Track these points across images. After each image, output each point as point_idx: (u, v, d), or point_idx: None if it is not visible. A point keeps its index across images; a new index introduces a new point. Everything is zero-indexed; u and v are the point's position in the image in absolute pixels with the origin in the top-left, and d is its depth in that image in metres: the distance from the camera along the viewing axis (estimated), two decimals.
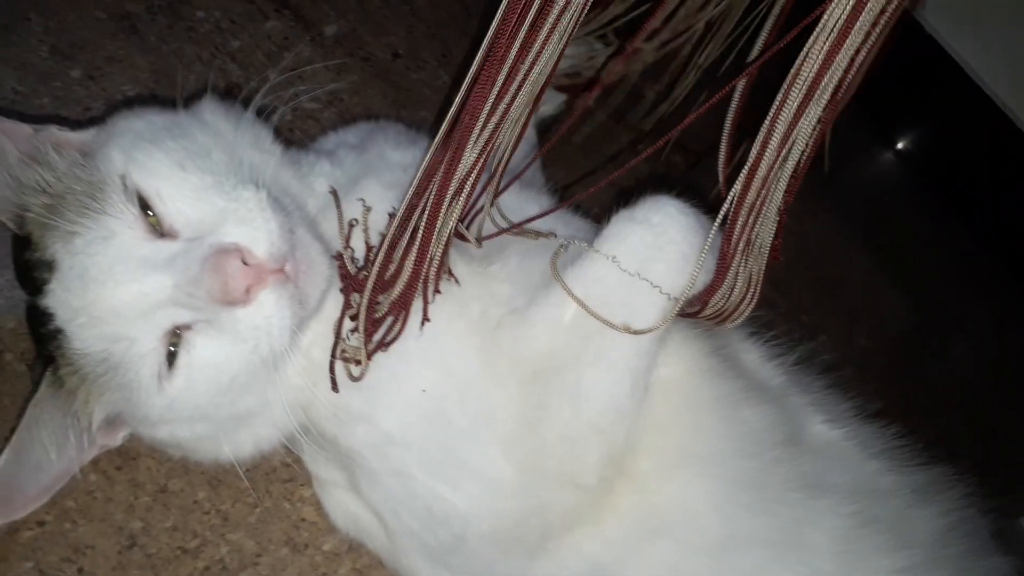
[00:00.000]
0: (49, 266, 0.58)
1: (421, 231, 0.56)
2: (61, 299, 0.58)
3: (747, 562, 0.61)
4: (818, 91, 0.54)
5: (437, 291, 0.59)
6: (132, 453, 0.77)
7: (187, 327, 0.58)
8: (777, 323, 0.77)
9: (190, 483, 0.79)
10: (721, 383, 0.65)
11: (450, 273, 0.61)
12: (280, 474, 0.80)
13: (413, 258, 0.57)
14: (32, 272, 0.59)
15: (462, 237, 0.62)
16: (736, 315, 0.64)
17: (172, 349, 0.59)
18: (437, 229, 0.56)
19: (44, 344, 0.61)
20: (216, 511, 0.77)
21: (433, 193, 0.55)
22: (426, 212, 0.55)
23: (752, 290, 0.63)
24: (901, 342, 1.31)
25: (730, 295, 0.62)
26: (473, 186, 0.56)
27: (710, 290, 0.60)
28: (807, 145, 0.57)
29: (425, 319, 0.59)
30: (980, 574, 0.69)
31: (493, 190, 0.61)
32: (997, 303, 1.42)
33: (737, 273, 0.61)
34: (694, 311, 0.63)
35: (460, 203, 0.56)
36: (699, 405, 0.64)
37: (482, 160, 0.55)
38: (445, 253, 0.58)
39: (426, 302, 0.59)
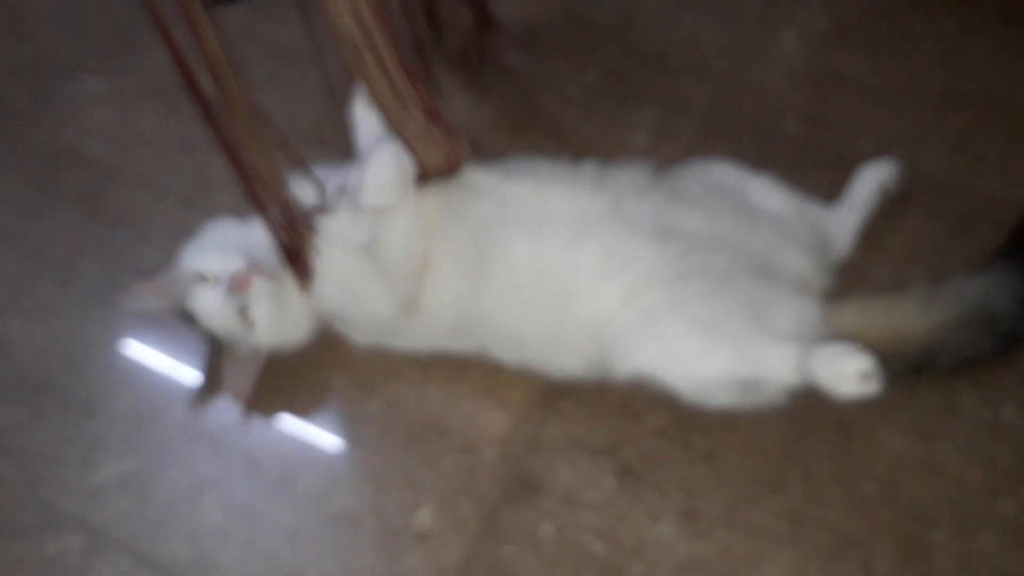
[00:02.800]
0: (189, 316, 1.07)
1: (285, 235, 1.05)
2: (204, 326, 1.08)
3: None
4: None
5: (309, 250, 1.07)
6: None
7: (243, 307, 1.05)
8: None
9: None
10: (455, 201, 1.07)
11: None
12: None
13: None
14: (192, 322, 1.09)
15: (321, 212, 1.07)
16: (449, 170, 1.05)
17: (246, 316, 1.05)
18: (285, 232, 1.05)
19: (212, 342, 1.12)
20: None
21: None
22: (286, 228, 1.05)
23: (446, 155, 1.02)
24: None
25: (431, 164, 1.02)
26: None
27: (419, 165, 1.02)
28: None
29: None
30: None
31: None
32: None
33: (422, 149, 1.01)
34: (424, 178, 1.03)
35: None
36: (446, 217, 1.06)
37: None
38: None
39: (304, 253, 1.07)
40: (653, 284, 0.99)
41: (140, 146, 1.43)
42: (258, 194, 1.02)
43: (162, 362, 1.18)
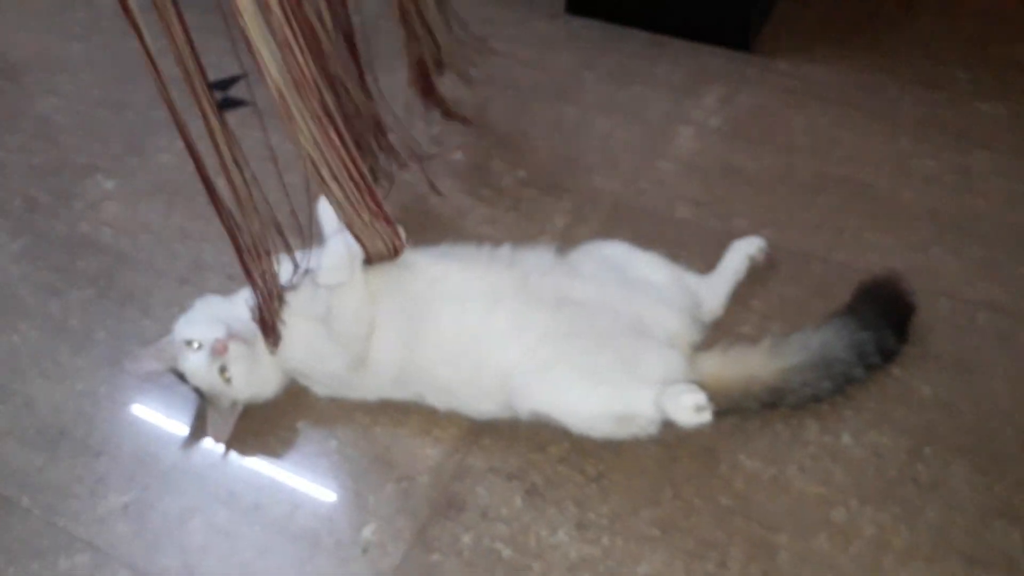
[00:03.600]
0: (181, 375, 1.29)
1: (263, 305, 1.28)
2: (191, 383, 1.29)
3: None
4: None
5: (280, 319, 1.30)
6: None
7: (222, 367, 1.26)
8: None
9: None
10: (393, 278, 1.30)
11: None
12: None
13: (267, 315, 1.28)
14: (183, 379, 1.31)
15: (289, 290, 1.31)
16: (390, 255, 1.28)
17: (225, 375, 1.26)
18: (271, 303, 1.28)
19: (199, 393, 1.31)
20: None
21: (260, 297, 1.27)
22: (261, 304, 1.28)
23: (390, 242, 1.26)
24: None
25: (375, 250, 1.26)
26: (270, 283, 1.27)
27: (366, 252, 1.24)
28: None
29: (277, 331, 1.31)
30: None
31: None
32: None
33: (369, 240, 1.24)
34: (370, 261, 1.26)
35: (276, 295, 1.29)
36: (387, 291, 1.28)
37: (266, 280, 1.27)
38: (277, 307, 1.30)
39: (274, 320, 1.29)
40: (547, 341, 1.22)
41: (144, 235, 1.67)
42: (251, 268, 1.23)
43: (158, 416, 1.40)
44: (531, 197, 1.66)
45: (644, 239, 1.45)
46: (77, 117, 1.94)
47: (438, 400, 1.30)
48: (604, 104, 1.85)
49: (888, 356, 1.32)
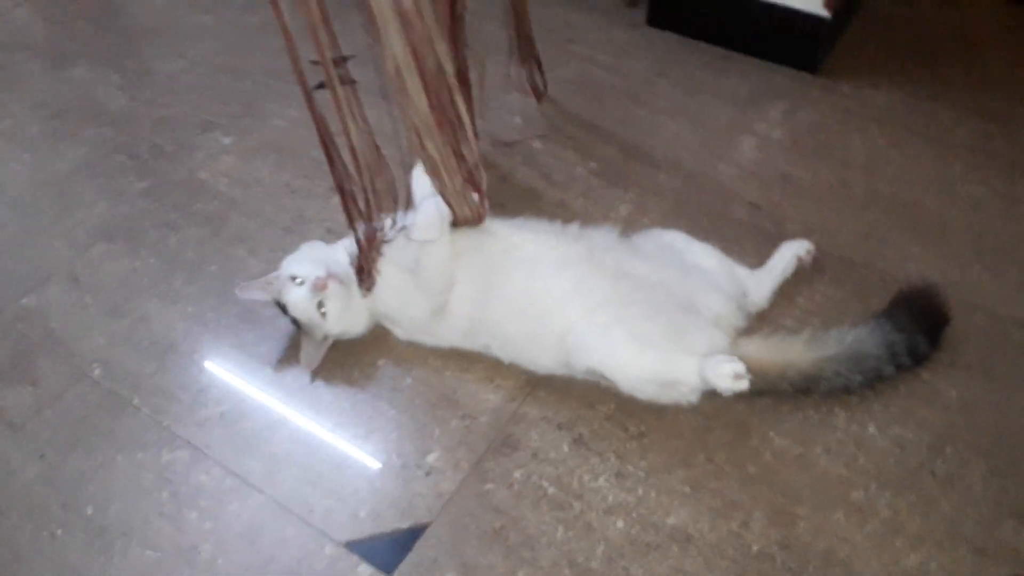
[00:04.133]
0: (284, 308, 1.39)
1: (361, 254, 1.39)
2: (291, 314, 1.39)
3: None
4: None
5: (375, 267, 1.41)
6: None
7: (320, 302, 1.35)
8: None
9: None
10: (475, 242, 1.40)
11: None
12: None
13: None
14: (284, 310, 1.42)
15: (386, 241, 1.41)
16: (474, 220, 1.39)
17: (322, 310, 1.36)
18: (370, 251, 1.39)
19: (296, 324, 1.42)
20: None
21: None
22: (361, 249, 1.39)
23: (475, 209, 1.37)
24: None
25: (462, 215, 1.37)
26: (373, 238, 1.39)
27: (454, 215, 1.35)
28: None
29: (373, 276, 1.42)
30: None
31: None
32: None
33: (458, 205, 1.35)
34: (456, 224, 1.36)
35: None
36: (467, 251, 1.38)
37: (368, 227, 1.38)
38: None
39: (371, 268, 1.40)
40: (605, 306, 1.31)
41: (255, 187, 1.80)
42: (356, 221, 1.34)
43: (256, 344, 1.52)
44: (599, 187, 1.75)
45: (700, 233, 1.52)
46: (201, 79, 2.09)
47: (503, 352, 1.39)
48: (673, 109, 1.92)
49: (918, 359, 1.37)
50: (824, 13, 1.90)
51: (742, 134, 1.85)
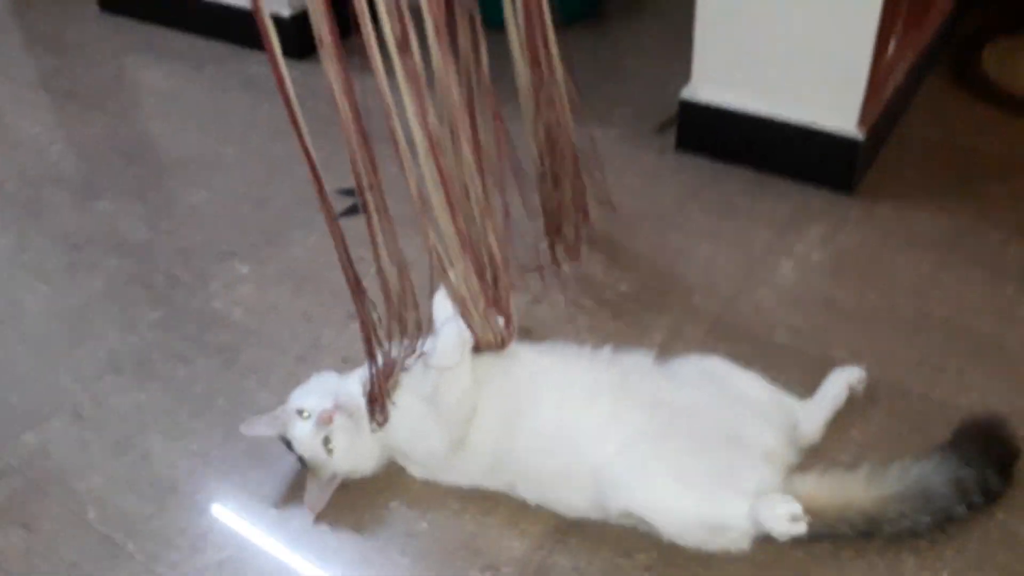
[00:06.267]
0: (289, 443, 1.33)
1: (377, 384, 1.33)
2: (296, 451, 1.33)
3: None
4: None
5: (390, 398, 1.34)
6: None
7: (326, 437, 1.29)
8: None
9: None
10: (498, 367, 1.36)
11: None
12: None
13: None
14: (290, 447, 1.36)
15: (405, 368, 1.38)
16: (498, 345, 1.35)
17: (328, 446, 1.29)
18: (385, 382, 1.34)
19: (302, 462, 1.37)
20: None
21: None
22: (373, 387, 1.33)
23: (499, 333, 1.35)
24: None
25: (485, 339, 1.34)
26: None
27: (476, 340, 1.32)
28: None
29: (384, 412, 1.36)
30: None
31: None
32: None
33: (480, 329, 1.33)
34: (478, 349, 1.32)
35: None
36: (490, 378, 1.33)
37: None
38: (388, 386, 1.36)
39: (384, 400, 1.34)
40: (643, 439, 1.24)
41: (271, 315, 1.78)
42: (375, 349, 1.30)
43: (260, 483, 1.45)
44: (632, 311, 1.71)
45: (741, 359, 1.46)
46: (223, 208, 2.12)
47: (529, 491, 1.31)
48: (707, 232, 1.90)
49: (991, 497, 1.27)
50: (858, 134, 1.91)
51: (780, 257, 1.82)
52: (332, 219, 1.19)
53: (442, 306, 1.42)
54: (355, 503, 1.38)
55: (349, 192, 2.05)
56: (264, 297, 1.83)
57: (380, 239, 1.22)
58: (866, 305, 1.69)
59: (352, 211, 1.87)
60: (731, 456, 1.23)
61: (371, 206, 1.19)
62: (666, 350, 1.55)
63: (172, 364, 1.68)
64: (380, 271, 1.24)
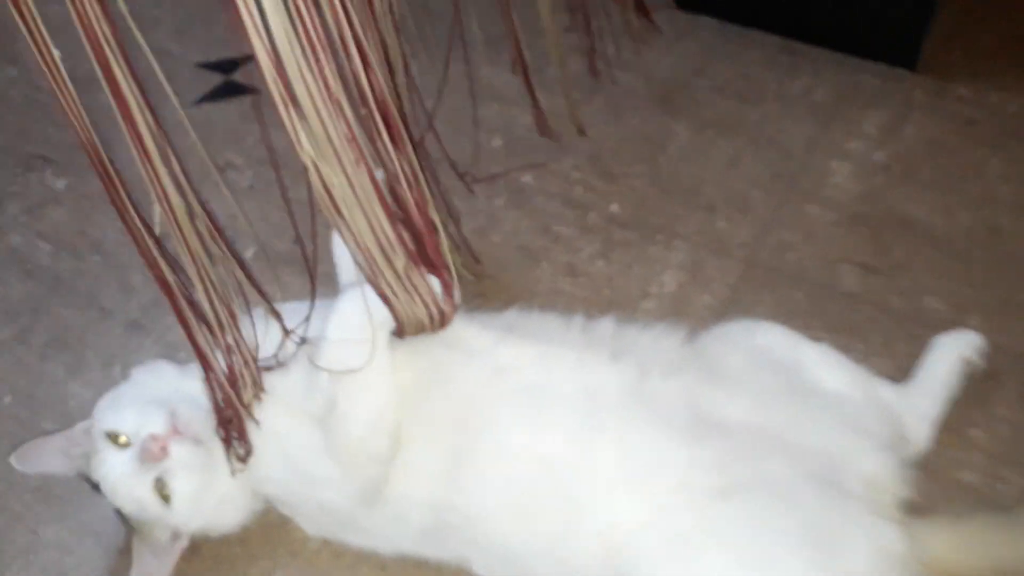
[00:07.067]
0: (97, 486, 0.86)
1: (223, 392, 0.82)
2: (109, 500, 0.85)
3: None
4: None
5: (251, 416, 0.84)
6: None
7: (159, 479, 0.84)
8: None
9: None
10: (437, 364, 0.86)
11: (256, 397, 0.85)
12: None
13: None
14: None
15: (270, 368, 0.84)
16: (432, 325, 0.83)
17: (163, 492, 0.84)
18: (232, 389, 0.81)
19: (121, 517, 0.88)
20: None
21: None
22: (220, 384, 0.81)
23: (435, 308, 0.81)
24: None
25: (410, 317, 0.81)
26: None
27: (396, 319, 0.81)
28: None
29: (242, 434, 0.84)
30: None
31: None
32: None
33: (404, 302, 0.79)
34: (402, 334, 0.83)
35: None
36: (424, 384, 0.85)
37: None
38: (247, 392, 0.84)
39: (241, 419, 0.84)
40: (686, 499, 0.74)
41: (93, 256, 1.23)
42: (199, 337, 0.78)
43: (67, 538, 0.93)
44: (627, 242, 1.20)
45: (797, 318, 1.01)
46: (35, 93, 1.51)
47: (491, 570, 0.81)
48: (725, 123, 1.39)
49: None
50: None
51: (830, 158, 1.31)
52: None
53: (346, 258, 0.88)
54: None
55: (222, 66, 1.50)
56: (85, 226, 1.27)
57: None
58: (957, 228, 1.21)
59: (226, 92, 1.31)
60: (827, 514, 0.75)
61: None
62: (683, 305, 1.06)
63: None
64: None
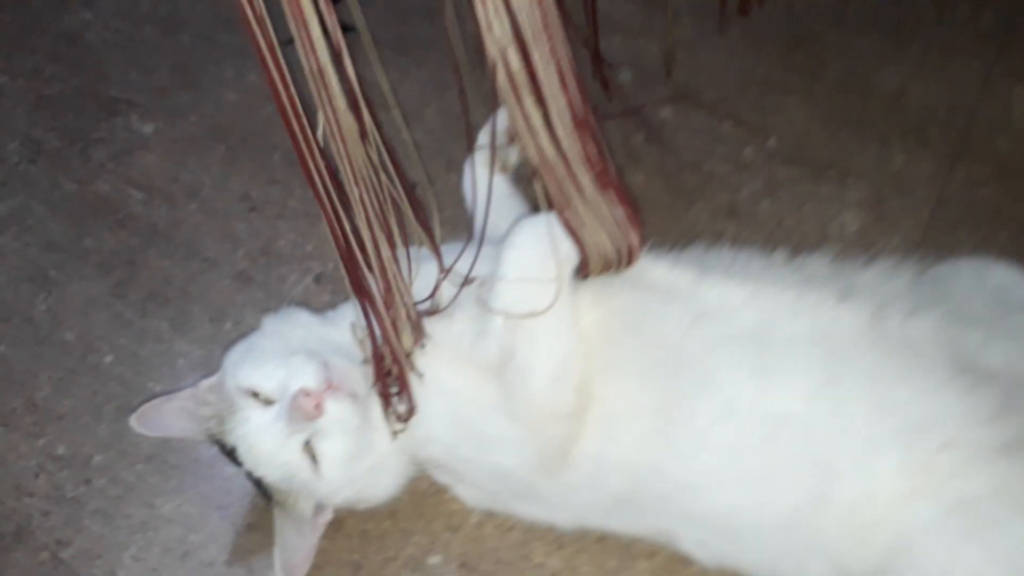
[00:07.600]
0: (232, 452, 0.77)
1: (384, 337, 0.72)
2: (249, 466, 0.77)
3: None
4: None
5: (413, 368, 0.74)
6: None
7: (308, 441, 0.75)
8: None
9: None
10: (628, 309, 0.75)
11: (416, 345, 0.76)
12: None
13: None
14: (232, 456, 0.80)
15: (431, 313, 0.75)
16: (619, 263, 0.73)
17: (311, 452, 0.76)
18: (394, 334, 0.71)
19: (260, 487, 0.80)
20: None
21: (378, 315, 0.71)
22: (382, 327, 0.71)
23: (622, 240, 0.71)
24: None
25: (597, 251, 0.71)
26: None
27: (583, 253, 0.71)
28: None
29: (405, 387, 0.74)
30: None
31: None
32: None
33: (595, 230, 0.69)
34: (585, 274, 0.74)
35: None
36: (614, 331, 0.74)
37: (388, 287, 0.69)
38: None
39: (404, 371, 0.74)
40: (962, 458, 0.60)
41: (190, 203, 1.13)
42: (366, 279, 0.66)
43: (190, 509, 0.82)
44: (791, 179, 1.07)
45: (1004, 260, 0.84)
46: (113, 36, 1.40)
47: (705, 548, 0.69)
48: (882, 54, 1.22)
49: None
50: None
51: (1014, 83, 1.15)
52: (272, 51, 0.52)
53: (483, 181, 0.77)
54: (363, 559, 0.76)
55: None
56: (178, 173, 1.18)
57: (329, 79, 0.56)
58: None
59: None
60: None
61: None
62: (866, 246, 0.92)
63: (28, 293, 1.04)
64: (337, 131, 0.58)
